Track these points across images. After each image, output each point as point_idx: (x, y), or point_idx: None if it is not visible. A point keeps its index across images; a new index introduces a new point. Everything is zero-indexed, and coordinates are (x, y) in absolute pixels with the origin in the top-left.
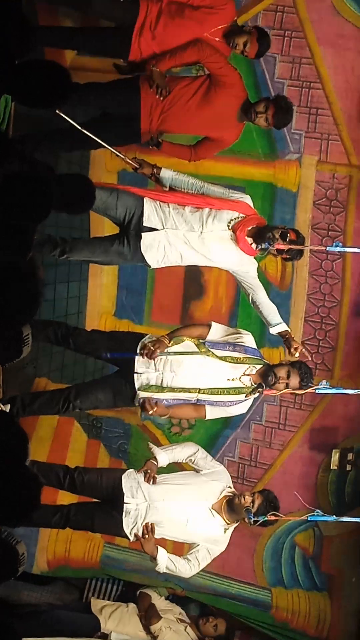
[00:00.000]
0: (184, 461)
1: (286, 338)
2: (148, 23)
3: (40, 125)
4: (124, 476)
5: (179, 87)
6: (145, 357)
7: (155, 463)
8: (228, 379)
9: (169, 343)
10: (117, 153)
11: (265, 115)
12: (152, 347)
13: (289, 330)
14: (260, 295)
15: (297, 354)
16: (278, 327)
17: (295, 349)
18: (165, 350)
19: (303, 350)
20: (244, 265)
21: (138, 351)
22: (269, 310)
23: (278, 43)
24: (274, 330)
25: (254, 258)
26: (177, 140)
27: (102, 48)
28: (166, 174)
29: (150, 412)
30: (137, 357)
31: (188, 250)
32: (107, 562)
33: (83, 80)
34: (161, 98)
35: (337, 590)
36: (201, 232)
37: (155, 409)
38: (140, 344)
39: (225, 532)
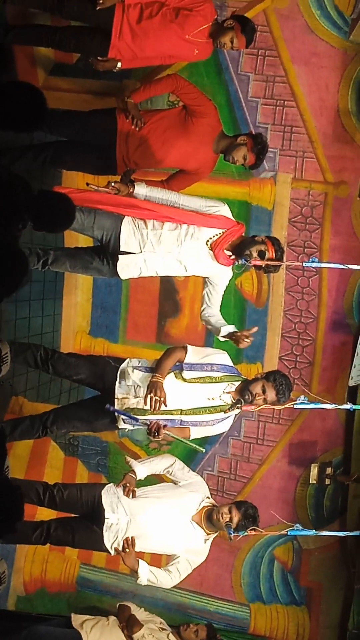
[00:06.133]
0: (161, 473)
1: (235, 336)
2: (127, 26)
3: (14, 143)
4: (103, 491)
5: (155, 120)
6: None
7: (134, 476)
8: (208, 398)
9: (164, 379)
10: (97, 188)
11: (244, 163)
12: (155, 397)
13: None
14: (215, 308)
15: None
16: (228, 328)
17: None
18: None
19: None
20: (217, 277)
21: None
22: (218, 320)
23: (251, 62)
24: (224, 332)
25: (232, 268)
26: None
27: (80, 46)
28: (140, 190)
29: (161, 437)
30: (117, 383)
31: (164, 267)
32: (82, 583)
33: (55, 101)
34: (137, 129)
35: (316, 604)
36: (179, 252)
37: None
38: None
39: (205, 542)
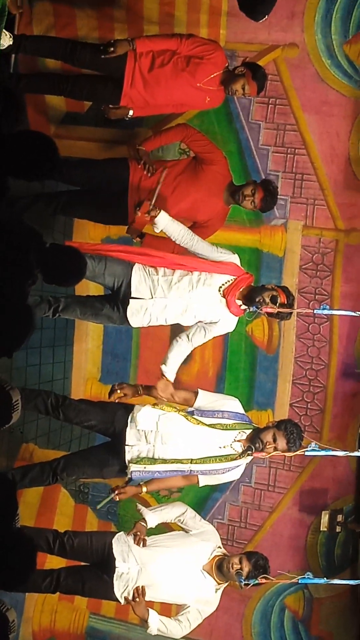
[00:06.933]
0: (172, 521)
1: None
2: (139, 74)
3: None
4: (114, 540)
5: (166, 167)
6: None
7: (145, 525)
8: (219, 447)
9: (140, 392)
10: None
11: (252, 199)
12: (117, 389)
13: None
14: (190, 344)
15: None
16: (166, 368)
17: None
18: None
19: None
20: (219, 325)
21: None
22: (177, 359)
23: (262, 110)
24: (166, 371)
25: (244, 317)
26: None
27: (92, 94)
28: (163, 220)
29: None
30: (128, 430)
31: (175, 316)
32: (92, 634)
33: (67, 149)
34: (149, 174)
35: None
36: (190, 298)
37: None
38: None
39: (216, 592)
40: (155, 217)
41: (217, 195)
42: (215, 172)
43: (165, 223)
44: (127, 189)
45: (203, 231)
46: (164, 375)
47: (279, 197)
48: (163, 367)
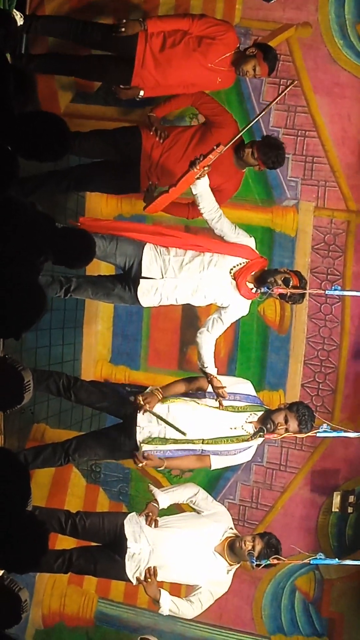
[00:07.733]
0: (184, 502)
1: (210, 379)
2: (150, 55)
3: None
4: (126, 521)
5: (177, 132)
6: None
7: (157, 505)
8: (231, 428)
9: (160, 397)
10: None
11: (252, 149)
12: (141, 402)
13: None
14: (214, 336)
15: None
16: (211, 370)
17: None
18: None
19: (221, 399)
20: (232, 308)
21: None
22: (209, 353)
23: (274, 91)
24: (207, 370)
25: (253, 300)
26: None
27: (103, 75)
28: (204, 183)
29: (140, 465)
30: (139, 412)
31: (185, 296)
32: (101, 618)
33: (78, 127)
34: (161, 140)
35: (338, 635)
36: (200, 279)
37: (145, 462)
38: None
39: (227, 573)
40: (201, 177)
41: (227, 158)
42: (225, 136)
43: (204, 187)
44: (139, 156)
45: (217, 195)
46: (210, 374)
47: (290, 178)
48: (206, 370)
